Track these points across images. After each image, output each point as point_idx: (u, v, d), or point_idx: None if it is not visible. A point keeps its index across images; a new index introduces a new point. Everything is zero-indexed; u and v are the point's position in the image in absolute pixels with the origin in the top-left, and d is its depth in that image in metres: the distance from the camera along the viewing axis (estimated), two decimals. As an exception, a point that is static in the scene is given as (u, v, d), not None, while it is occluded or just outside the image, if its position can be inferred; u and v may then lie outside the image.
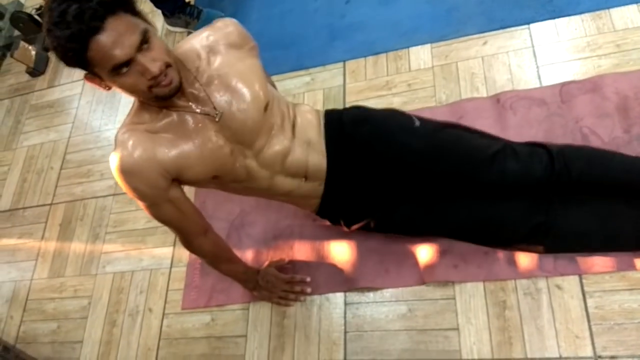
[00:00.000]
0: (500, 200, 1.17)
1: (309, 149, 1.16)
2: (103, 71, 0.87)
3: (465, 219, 1.21)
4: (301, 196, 1.23)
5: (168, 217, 1.11)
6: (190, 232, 1.17)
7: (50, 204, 1.98)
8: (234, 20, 1.10)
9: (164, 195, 1.04)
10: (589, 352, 1.09)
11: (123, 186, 1.02)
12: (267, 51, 1.92)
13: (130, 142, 0.98)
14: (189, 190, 1.64)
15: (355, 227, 1.29)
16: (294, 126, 1.16)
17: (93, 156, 2.03)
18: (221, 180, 1.11)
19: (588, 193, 1.14)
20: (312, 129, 1.17)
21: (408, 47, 1.68)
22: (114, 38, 0.83)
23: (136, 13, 0.89)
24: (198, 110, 1.01)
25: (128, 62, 0.86)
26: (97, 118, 2.14)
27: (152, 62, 0.87)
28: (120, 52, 0.84)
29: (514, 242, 1.21)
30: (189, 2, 2.07)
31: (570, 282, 1.16)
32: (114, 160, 0.99)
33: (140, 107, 1.02)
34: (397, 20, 1.77)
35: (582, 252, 1.17)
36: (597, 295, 1.13)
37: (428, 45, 1.66)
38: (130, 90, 0.92)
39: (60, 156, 2.10)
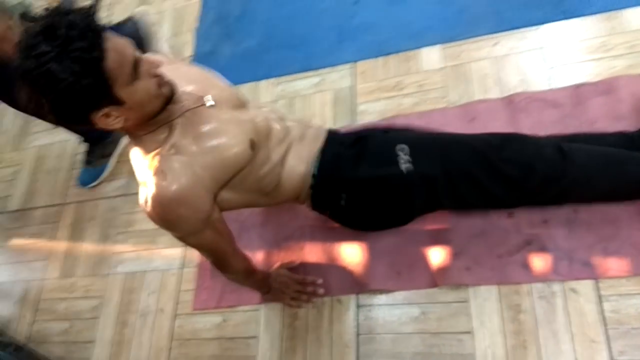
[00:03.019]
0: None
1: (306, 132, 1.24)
2: (123, 78, 0.84)
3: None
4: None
5: (208, 243, 1.08)
6: (227, 252, 1.15)
7: (61, 204, 1.98)
8: None
9: (208, 218, 1.01)
10: (605, 356, 1.09)
11: (163, 219, 0.98)
12: (276, 52, 1.94)
13: (167, 169, 0.93)
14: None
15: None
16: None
17: (103, 157, 2.03)
18: (258, 148, 1.08)
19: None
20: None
21: (418, 47, 1.68)
22: (117, 39, 0.84)
23: None
24: (192, 107, 1.01)
25: (138, 61, 0.87)
26: (107, 118, 2.14)
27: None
28: (131, 48, 0.85)
29: (528, 187, 1.13)
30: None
31: (585, 286, 1.16)
32: (154, 194, 0.93)
33: (143, 140, 0.98)
34: (407, 21, 1.76)
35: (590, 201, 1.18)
36: (613, 299, 1.13)
37: (439, 46, 1.65)
38: (144, 95, 0.89)
39: (70, 156, 2.10)
